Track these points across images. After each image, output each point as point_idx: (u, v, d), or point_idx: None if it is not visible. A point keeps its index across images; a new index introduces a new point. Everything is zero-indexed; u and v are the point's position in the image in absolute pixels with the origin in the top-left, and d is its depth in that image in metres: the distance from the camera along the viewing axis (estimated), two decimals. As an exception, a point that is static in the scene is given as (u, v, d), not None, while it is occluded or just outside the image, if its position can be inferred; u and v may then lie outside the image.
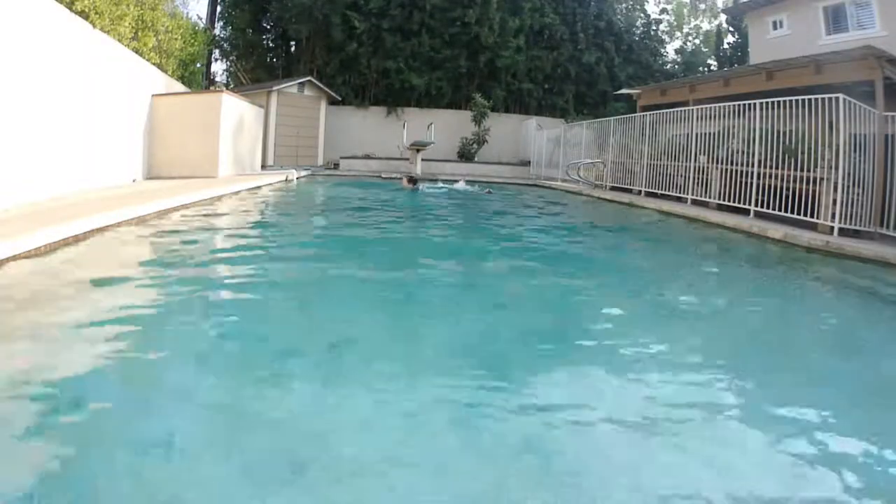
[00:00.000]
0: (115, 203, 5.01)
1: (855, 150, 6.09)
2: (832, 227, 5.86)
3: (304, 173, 12.16)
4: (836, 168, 5.97)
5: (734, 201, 7.52)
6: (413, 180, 11.04)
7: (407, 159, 14.62)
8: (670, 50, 21.00)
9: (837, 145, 5.98)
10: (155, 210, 5.21)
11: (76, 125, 6.02)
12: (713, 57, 20.08)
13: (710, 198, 8.11)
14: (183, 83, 10.75)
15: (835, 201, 5.92)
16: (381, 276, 3.78)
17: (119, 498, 1.28)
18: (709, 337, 2.80)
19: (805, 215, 6.25)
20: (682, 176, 8.91)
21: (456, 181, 12.54)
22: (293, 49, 18.05)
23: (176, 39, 10.65)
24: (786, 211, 6.55)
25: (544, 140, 14.97)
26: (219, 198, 7.03)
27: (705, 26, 21.67)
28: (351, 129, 16.73)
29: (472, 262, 4.58)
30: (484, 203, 9.51)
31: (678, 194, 8.93)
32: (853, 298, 3.92)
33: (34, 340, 2.13)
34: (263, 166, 12.95)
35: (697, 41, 21.37)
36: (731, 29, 19.51)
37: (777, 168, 6.81)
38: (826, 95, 6.12)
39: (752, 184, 7.22)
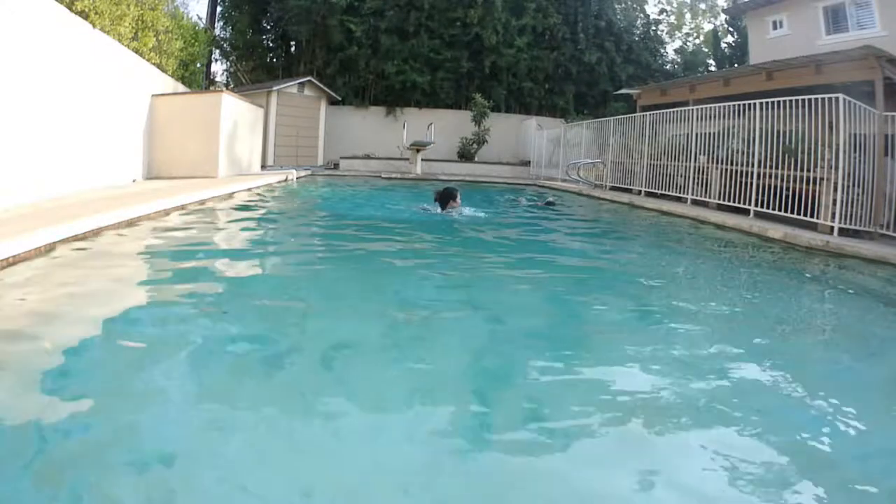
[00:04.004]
0: (116, 203, 5.01)
1: (855, 150, 6.10)
2: (832, 227, 5.86)
3: (303, 173, 12.16)
4: (836, 168, 5.97)
5: (734, 201, 7.52)
6: (448, 195, 6.48)
7: (407, 159, 14.64)
8: (670, 50, 21.00)
9: (837, 145, 5.98)
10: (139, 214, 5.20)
11: (75, 125, 6.02)
12: (713, 57, 20.08)
13: (709, 198, 8.11)
14: (183, 83, 10.73)
15: (835, 201, 5.92)
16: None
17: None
18: (709, 336, 2.79)
19: (805, 215, 6.25)
20: (682, 176, 8.91)
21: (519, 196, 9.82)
22: (293, 49, 18.05)
23: (176, 40, 10.62)
24: (786, 211, 6.55)
25: (544, 140, 14.97)
26: (210, 200, 7.02)
27: (705, 26, 21.68)
28: (351, 129, 16.73)
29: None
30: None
31: (678, 194, 8.93)
32: (854, 298, 3.92)
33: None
34: (263, 166, 12.94)
35: (697, 41, 21.37)
36: (730, 29, 19.52)
37: (777, 168, 6.82)
38: (826, 95, 6.12)
39: (751, 184, 7.22)
